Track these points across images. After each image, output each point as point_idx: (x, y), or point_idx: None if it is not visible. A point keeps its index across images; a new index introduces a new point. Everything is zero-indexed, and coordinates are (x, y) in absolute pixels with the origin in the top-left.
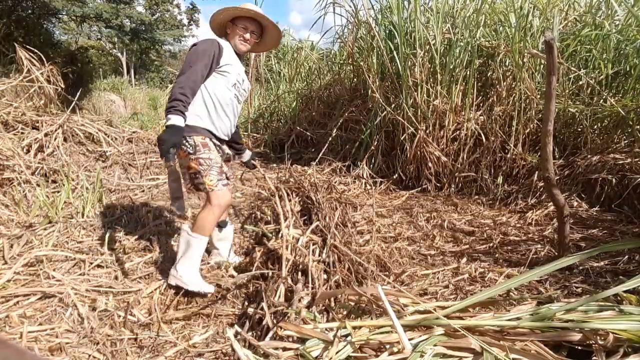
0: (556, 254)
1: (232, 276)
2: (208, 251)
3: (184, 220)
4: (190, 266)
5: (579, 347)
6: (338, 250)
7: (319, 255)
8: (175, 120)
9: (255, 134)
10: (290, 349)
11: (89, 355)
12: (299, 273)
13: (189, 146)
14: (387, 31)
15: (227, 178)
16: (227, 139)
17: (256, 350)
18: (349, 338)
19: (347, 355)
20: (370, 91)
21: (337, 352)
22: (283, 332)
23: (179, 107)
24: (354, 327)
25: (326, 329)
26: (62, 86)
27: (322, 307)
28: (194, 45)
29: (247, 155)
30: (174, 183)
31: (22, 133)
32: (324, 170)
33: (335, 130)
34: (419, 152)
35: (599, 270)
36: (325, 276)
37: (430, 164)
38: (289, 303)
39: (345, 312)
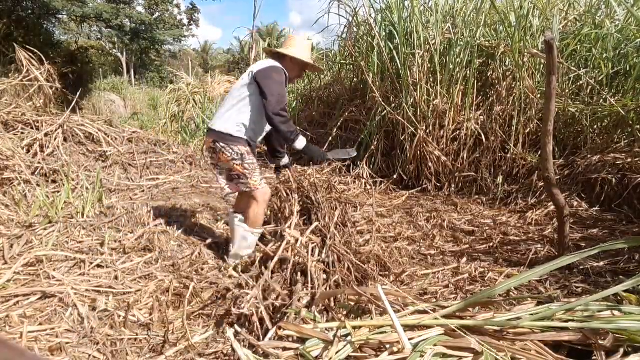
0: (556, 253)
1: (232, 276)
2: (227, 242)
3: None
4: (249, 250)
5: (579, 347)
6: (338, 250)
7: (319, 256)
8: (303, 141)
9: None
10: (290, 349)
11: (89, 355)
12: (299, 273)
13: (234, 154)
14: (387, 31)
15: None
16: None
17: (256, 350)
18: (349, 338)
19: (347, 355)
20: (369, 91)
21: (337, 352)
22: (283, 332)
23: (297, 131)
24: (354, 327)
25: (326, 329)
26: (59, 86)
27: (322, 307)
28: (268, 71)
29: (285, 160)
30: (339, 155)
31: (22, 133)
32: (324, 170)
33: (335, 130)
34: (419, 152)
35: (599, 270)
36: (324, 276)
37: (430, 164)
38: (289, 303)
39: (345, 312)
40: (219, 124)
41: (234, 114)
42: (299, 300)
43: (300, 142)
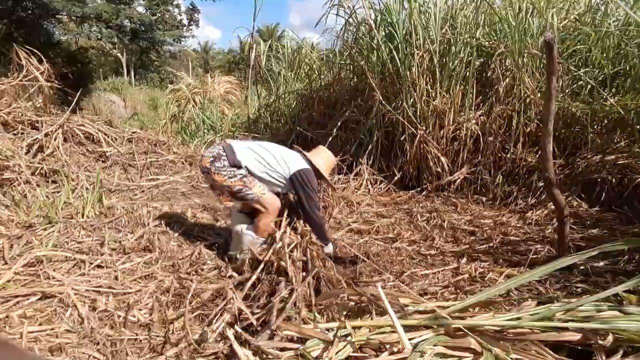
0: (556, 254)
1: (232, 276)
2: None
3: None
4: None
5: (579, 347)
6: (312, 247)
7: (298, 254)
8: (331, 248)
9: (255, 135)
10: (290, 349)
11: (89, 355)
12: (282, 272)
13: (230, 172)
14: (387, 32)
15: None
16: None
17: (256, 350)
18: (349, 338)
19: (347, 355)
20: (368, 91)
21: (337, 352)
22: (283, 332)
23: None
24: (354, 327)
25: (326, 329)
26: (58, 85)
27: (322, 307)
28: (307, 174)
29: None
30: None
31: (22, 133)
32: None
33: (335, 130)
34: (419, 152)
35: (599, 270)
36: (304, 273)
37: (430, 164)
38: (272, 303)
39: (345, 313)
40: (233, 153)
41: (259, 171)
42: (281, 301)
43: (329, 248)
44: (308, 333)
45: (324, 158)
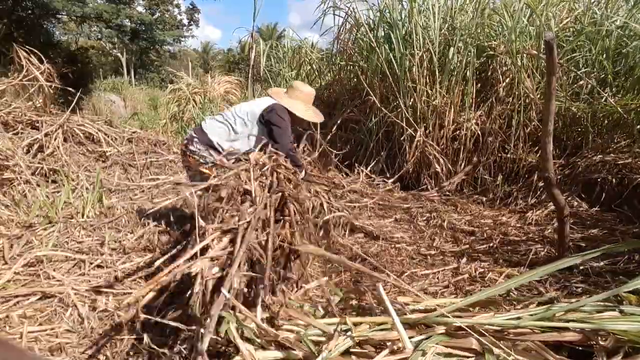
0: (556, 254)
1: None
2: None
3: None
4: None
5: (580, 348)
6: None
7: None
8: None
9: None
10: (291, 330)
11: (89, 356)
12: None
13: (201, 156)
14: (386, 32)
15: None
16: None
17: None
18: (349, 333)
19: (347, 346)
20: (365, 93)
21: (337, 345)
22: (284, 326)
23: (301, 162)
24: (355, 324)
25: (327, 325)
26: (59, 85)
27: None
28: (274, 108)
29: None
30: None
31: (22, 133)
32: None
33: (335, 130)
34: (418, 152)
35: (599, 271)
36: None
37: (430, 164)
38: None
39: (342, 307)
40: (205, 135)
41: (229, 140)
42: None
43: (301, 175)
44: (309, 322)
45: (298, 97)
